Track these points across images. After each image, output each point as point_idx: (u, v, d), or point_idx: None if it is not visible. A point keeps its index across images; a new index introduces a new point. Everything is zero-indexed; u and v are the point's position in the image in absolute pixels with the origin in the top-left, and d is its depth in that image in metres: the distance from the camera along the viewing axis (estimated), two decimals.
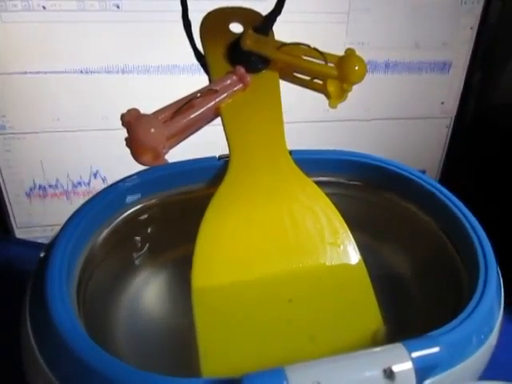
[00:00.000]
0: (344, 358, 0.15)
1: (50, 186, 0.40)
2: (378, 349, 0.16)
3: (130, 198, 0.23)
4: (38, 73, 0.37)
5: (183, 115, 0.23)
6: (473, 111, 0.46)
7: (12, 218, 0.41)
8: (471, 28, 0.42)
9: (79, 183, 0.41)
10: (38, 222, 0.42)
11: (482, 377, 0.20)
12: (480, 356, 0.19)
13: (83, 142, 0.39)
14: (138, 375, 0.15)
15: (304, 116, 0.41)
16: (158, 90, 0.38)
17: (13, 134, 0.38)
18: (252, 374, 0.14)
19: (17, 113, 0.37)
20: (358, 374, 0.15)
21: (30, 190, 0.40)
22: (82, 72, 0.37)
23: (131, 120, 0.21)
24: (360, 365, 0.15)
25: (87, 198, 0.22)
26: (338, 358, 0.15)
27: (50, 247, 0.20)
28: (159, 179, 0.24)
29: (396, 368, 0.15)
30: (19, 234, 0.42)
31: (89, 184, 0.41)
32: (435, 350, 0.16)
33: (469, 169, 0.48)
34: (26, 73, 0.36)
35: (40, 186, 0.40)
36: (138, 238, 0.25)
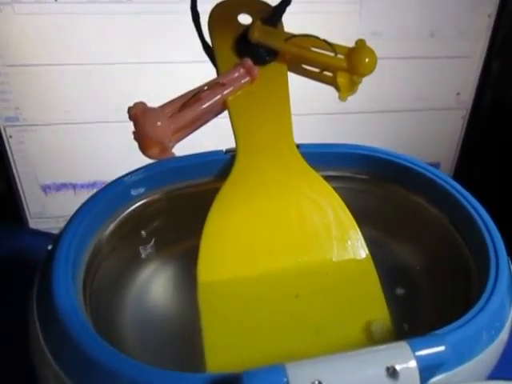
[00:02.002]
0: (346, 356, 0.15)
1: (63, 178, 0.41)
2: (381, 347, 0.16)
3: (135, 192, 0.23)
4: (49, 65, 0.37)
5: (190, 108, 0.23)
6: (490, 102, 0.45)
7: (26, 209, 0.42)
8: (489, 16, 0.41)
9: (91, 175, 0.41)
10: (51, 212, 0.42)
11: (494, 373, 0.19)
12: (490, 353, 0.18)
13: (94, 133, 0.39)
14: (139, 369, 0.15)
15: (313, 108, 0.41)
16: (168, 83, 0.38)
17: (26, 125, 0.38)
18: (252, 371, 0.14)
19: (29, 105, 0.38)
20: (360, 372, 0.15)
21: (44, 181, 0.40)
22: (93, 64, 0.37)
23: (138, 113, 0.21)
24: (362, 363, 0.15)
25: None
26: (340, 356, 0.15)
27: (56, 240, 0.20)
28: (165, 173, 0.24)
29: (399, 367, 0.15)
30: (33, 224, 0.42)
31: (101, 176, 0.41)
32: (440, 348, 0.16)
33: (485, 162, 0.47)
34: (38, 65, 0.37)
35: (53, 178, 0.40)
36: (144, 232, 0.25)
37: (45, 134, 0.39)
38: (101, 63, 0.37)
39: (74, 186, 0.41)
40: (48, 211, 0.42)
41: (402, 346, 0.15)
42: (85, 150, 0.40)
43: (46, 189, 0.41)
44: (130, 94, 0.38)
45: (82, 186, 0.41)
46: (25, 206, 0.41)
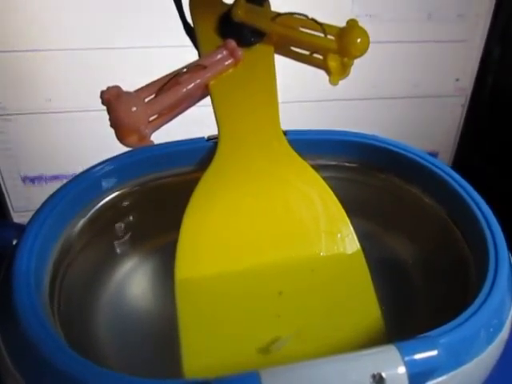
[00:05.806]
0: (326, 362, 0.14)
1: (47, 169, 0.40)
2: (367, 351, 0.14)
3: (107, 184, 0.22)
4: (30, 51, 0.36)
5: (168, 93, 0.21)
6: (490, 89, 0.43)
7: (9, 202, 0.41)
8: None
9: (76, 166, 0.40)
10: (35, 206, 0.41)
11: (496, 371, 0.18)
12: (489, 354, 0.17)
13: (78, 122, 0.38)
14: (101, 375, 0.14)
15: (306, 95, 0.40)
16: (153, 68, 0.36)
17: (6, 115, 0.37)
18: (223, 379, 0.13)
19: (9, 93, 0.37)
20: (342, 379, 0.13)
21: (26, 173, 0.39)
22: (75, 50, 0.36)
23: (111, 98, 0.20)
24: (345, 370, 0.14)
25: None
26: (320, 362, 0.14)
27: (20, 236, 0.18)
28: (141, 162, 0.22)
29: (386, 373, 0.14)
30: (17, 218, 0.41)
31: (84, 166, 0.40)
32: (432, 353, 0.14)
33: (485, 151, 0.46)
34: (17, 51, 0.35)
35: (36, 169, 0.39)
36: (119, 226, 0.23)
37: (26, 124, 0.38)
38: (83, 49, 0.36)
39: (58, 178, 0.40)
40: (32, 204, 0.41)
41: (390, 351, 0.14)
42: (68, 140, 0.39)
43: (28, 181, 0.40)
44: (114, 81, 0.36)
45: (67, 178, 0.40)
46: (7, 200, 0.40)
